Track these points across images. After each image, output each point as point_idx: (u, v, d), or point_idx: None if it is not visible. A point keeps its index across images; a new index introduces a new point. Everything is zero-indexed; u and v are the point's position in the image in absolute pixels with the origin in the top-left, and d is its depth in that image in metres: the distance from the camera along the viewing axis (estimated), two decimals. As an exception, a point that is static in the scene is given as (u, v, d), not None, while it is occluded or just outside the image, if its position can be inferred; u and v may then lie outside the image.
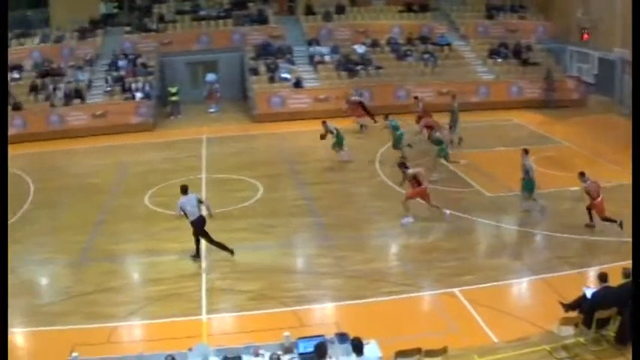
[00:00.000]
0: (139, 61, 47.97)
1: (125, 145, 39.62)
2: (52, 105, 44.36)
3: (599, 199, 23.95)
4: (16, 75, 47.88)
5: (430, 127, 33.26)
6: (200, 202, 23.17)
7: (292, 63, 47.65)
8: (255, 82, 46.03)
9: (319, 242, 24.39)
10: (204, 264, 22.80)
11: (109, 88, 45.82)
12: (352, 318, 18.78)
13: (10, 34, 51.25)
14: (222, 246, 23.10)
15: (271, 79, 45.97)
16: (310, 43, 49.60)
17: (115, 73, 46.99)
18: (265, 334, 16.65)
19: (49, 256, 24.97)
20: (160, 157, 35.61)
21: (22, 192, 32.09)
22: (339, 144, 33.47)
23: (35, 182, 33.64)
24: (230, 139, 37.60)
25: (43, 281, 23.78)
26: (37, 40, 51.92)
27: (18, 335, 19.96)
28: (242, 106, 47.20)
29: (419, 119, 36.37)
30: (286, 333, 14.82)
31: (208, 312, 19.61)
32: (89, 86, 46.36)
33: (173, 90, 46.61)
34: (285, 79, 45.61)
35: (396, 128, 33.59)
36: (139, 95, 44.56)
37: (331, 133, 33.53)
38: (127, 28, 51.97)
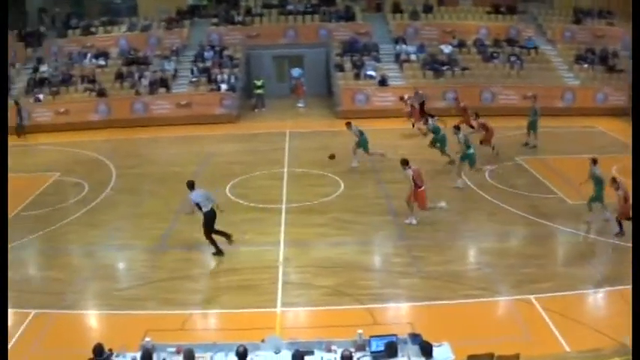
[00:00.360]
0: (225, 53, 48.48)
1: (208, 135, 39.97)
2: (137, 93, 45.13)
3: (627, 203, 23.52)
4: (102, 62, 48.98)
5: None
6: (208, 198, 23.40)
7: (378, 61, 47.56)
8: (341, 78, 46.06)
9: (397, 241, 24.25)
10: (281, 256, 22.92)
11: (194, 79, 46.39)
12: (426, 319, 18.68)
13: (97, 22, 52.37)
14: (215, 244, 23.51)
15: (357, 76, 45.94)
16: (397, 41, 49.43)
17: (200, 64, 47.55)
18: (338, 330, 16.70)
19: (127, 242, 25.43)
20: (242, 149, 35.84)
21: (104, 177, 32.76)
22: (362, 146, 32.68)
23: (117, 168, 34.28)
24: (313, 134, 37.68)
25: (121, 266, 24.20)
26: (124, 28, 53.06)
27: (93, 317, 20.40)
28: (326, 102, 47.27)
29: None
30: (359, 330, 14.76)
31: (283, 305, 19.69)
32: (175, 76, 47.05)
33: (258, 83, 46.92)
34: (371, 77, 45.54)
35: (436, 131, 33.44)
36: (224, 87, 44.96)
37: (355, 135, 32.86)
38: (214, 20, 52.57)
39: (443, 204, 25.97)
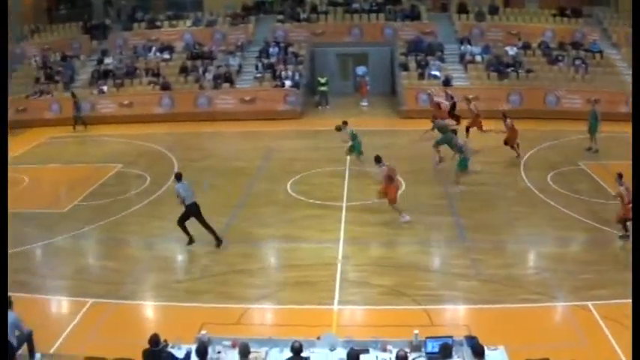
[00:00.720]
0: (290, 49, 48.51)
1: (271, 131, 40.08)
2: (201, 87, 45.45)
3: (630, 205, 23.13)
4: (166, 56, 49.45)
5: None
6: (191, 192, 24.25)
7: (442, 61, 47.23)
8: (405, 77, 45.83)
9: (457, 243, 24.02)
10: (340, 254, 22.86)
11: (258, 75, 46.55)
12: (483, 322, 18.50)
13: (162, 16, 52.86)
14: (211, 230, 24.32)
15: (421, 76, 45.67)
16: (462, 41, 49.03)
17: (265, 60, 47.70)
18: (394, 330, 16.60)
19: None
20: (305, 146, 35.86)
21: (166, 170, 32.95)
22: (356, 151, 32.34)
23: (180, 161, 34.59)
24: (376, 133, 37.51)
25: (180, 258, 24.36)
26: (189, 22, 53.56)
27: (149, 308, 20.60)
28: (390, 101, 47.11)
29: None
30: (416, 331, 14.60)
31: (340, 303, 19.60)
32: (239, 71, 47.34)
33: (322, 80, 46.92)
34: (435, 77, 45.22)
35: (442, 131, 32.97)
36: (288, 83, 45.03)
37: (350, 137, 32.56)
38: (280, 17, 52.70)
39: (407, 218, 25.81)
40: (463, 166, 30.02)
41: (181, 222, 24.33)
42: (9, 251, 24.66)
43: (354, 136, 32.41)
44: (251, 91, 44.99)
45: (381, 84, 49.38)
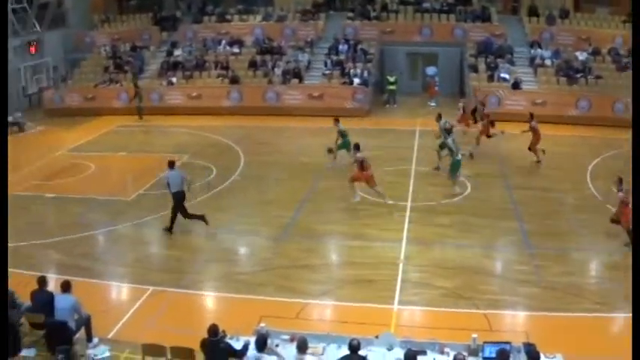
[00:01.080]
0: (360, 47, 48.38)
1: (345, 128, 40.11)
2: (270, 82, 45.57)
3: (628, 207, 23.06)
4: (236, 49, 49.70)
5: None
6: (184, 179, 25.20)
7: (512, 63, 46.72)
8: (474, 79, 45.46)
9: (520, 248, 23.71)
10: (403, 254, 22.74)
11: (327, 71, 46.55)
12: (542, 329, 18.27)
13: (232, 10, 53.21)
14: (198, 217, 25.38)
15: (490, 78, 45.26)
16: (532, 45, 48.44)
17: (334, 57, 47.67)
18: (453, 332, 16.52)
19: (251, 228, 25.77)
20: (371, 144, 35.66)
21: (233, 163, 33.31)
22: (345, 147, 32.52)
23: (246, 154, 34.79)
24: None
25: (242, 251, 24.57)
26: (259, 17, 53.91)
27: (209, 299, 20.81)
28: (458, 102, 46.81)
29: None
30: (474, 335, 14.54)
31: (400, 303, 19.52)
32: (308, 67, 47.36)
33: (391, 79, 46.75)
34: (504, 80, 44.77)
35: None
36: (356, 81, 44.95)
37: (339, 134, 33.01)
38: (350, 14, 52.62)
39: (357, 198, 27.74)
40: (454, 167, 29.26)
41: (184, 213, 25.29)
42: (73, 236, 25.10)
43: (343, 134, 32.83)
44: (319, 88, 45.02)
45: (450, 85, 49.04)
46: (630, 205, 23.05)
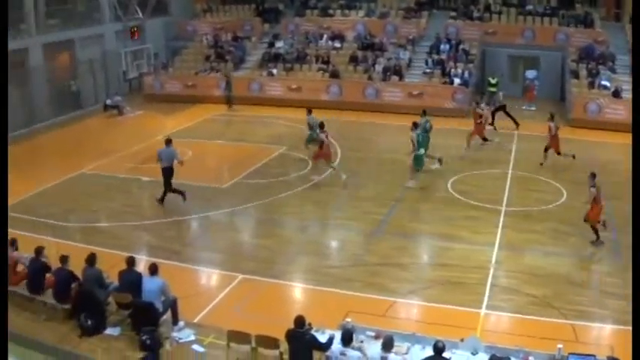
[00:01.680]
0: (461, 47, 47.97)
1: (436, 128, 39.76)
2: (370, 78, 45.52)
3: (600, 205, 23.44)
4: (337, 44, 49.70)
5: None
6: (175, 156, 27.21)
7: (614, 71, 45.69)
8: (575, 85, 44.62)
9: (613, 260, 23.10)
10: (494, 258, 22.54)
11: (428, 70, 46.30)
12: (629, 344, 17.95)
13: (335, 4, 53.38)
14: (180, 192, 27.56)
15: (591, 85, 44.41)
16: (634, 53, 47.53)
17: (435, 56, 47.36)
18: (539, 341, 16.37)
19: (344, 222, 25.92)
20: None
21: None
22: (309, 141, 33.50)
23: (343, 149, 34.76)
24: (542, 139, 36.71)
25: (334, 244, 24.70)
26: (361, 13, 53.83)
27: (297, 290, 21.02)
28: (558, 108, 45.86)
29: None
30: (559, 345, 14.35)
31: (488, 307, 19.33)
32: (409, 65, 47.13)
33: (493, 81, 46.18)
34: (605, 87, 43.86)
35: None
36: (457, 81, 44.59)
37: (308, 126, 33.92)
38: (452, 14, 52.13)
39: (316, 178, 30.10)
40: (417, 161, 29.94)
41: (167, 186, 27.52)
42: (165, 220, 25.51)
43: (311, 127, 33.40)
44: (419, 86, 44.74)
45: (551, 89, 48.20)
46: (601, 204, 23.65)
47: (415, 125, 30.81)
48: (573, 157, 32.51)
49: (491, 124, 37.90)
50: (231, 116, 43.95)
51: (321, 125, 30.78)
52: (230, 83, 45.84)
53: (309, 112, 34.63)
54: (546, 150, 32.09)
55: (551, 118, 32.74)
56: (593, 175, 24.13)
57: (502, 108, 40.17)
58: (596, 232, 23.89)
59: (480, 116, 35.15)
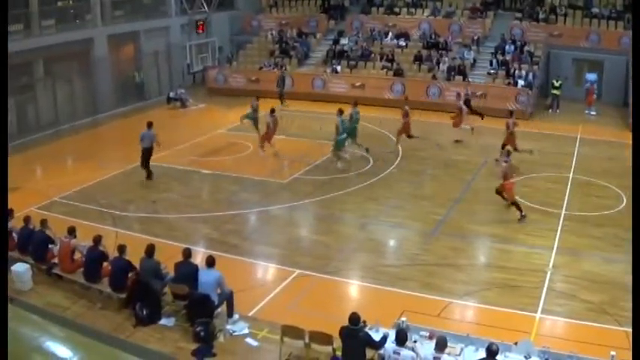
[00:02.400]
0: (526, 48, 47.64)
1: (497, 129, 39.58)
2: (434, 77, 45.42)
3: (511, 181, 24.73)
4: (402, 43, 49.69)
5: None
6: (154, 138, 30.02)
7: (677, 77, 45.19)
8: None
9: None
10: (552, 263, 22.36)
11: (492, 71, 46.09)
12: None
13: (401, 3, 53.38)
14: (149, 172, 30.51)
15: (654, 90, 43.90)
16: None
17: (500, 57, 47.07)
18: (592, 347, 16.21)
19: (402, 221, 25.96)
20: (530, 148, 35.29)
21: (390, 155, 33.44)
22: (248, 117, 35.61)
23: (404, 148, 34.83)
24: (604, 144, 36.42)
25: (391, 243, 24.74)
26: (427, 12, 53.88)
27: (352, 287, 21.08)
28: (621, 113, 45.45)
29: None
30: (613, 352, 14.29)
31: (543, 311, 19.22)
32: (473, 65, 46.94)
33: (556, 84, 45.82)
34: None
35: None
36: (520, 83, 44.26)
37: (252, 108, 35.65)
38: (518, 15, 51.80)
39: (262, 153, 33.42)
40: (338, 145, 31.88)
41: (144, 162, 30.33)
42: (224, 213, 25.73)
43: (254, 110, 35.62)
44: (483, 87, 44.49)
45: (615, 94, 47.53)
46: (512, 180, 25.25)
47: (340, 112, 32.22)
48: (530, 152, 32.58)
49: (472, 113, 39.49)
50: (293, 112, 44.11)
51: (272, 111, 34.38)
52: (285, 79, 46.24)
53: (257, 99, 36.50)
54: (503, 147, 31.50)
55: (510, 114, 33.57)
56: (508, 153, 25.97)
57: (467, 102, 40.38)
58: (518, 208, 25.15)
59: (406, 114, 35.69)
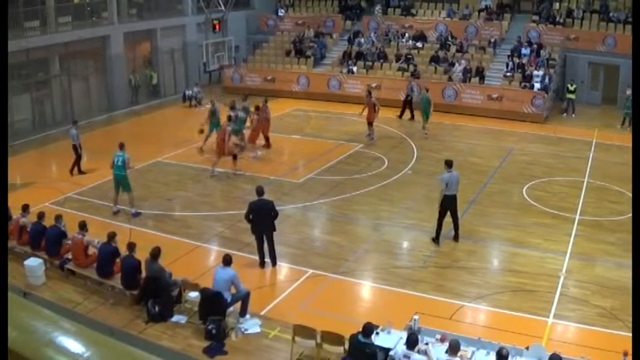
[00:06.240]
0: (542, 51, 47.53)
1: (513, 131, 39.59)
2: (450, 79, 45.34)
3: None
4: (418, 44, 49.64)
5: None
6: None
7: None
8: (648, 95, 43.96)
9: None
10: (564, 268, 22.29)
11: (508, 74, 45.96)
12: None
13: (417, 4, 53.44)
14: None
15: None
16: None
17: (516, 60, 46.97)
18: (603, 353, 16.32)
19: (416, 223, 25.89)
20: (545, 151, 35.15)
21: (405, 157, 33.77)
22: (215, 126, 34.58)
23: (420, 150, 34.94)
24: (619, 149, 36.27)
25: (405, 245, 24.62)
26: (443, 13, 53.98)
27: (365, 288, 21.03)
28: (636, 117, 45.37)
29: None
30: (624, 358, 14.24)
31: (555, 316, 19.17)
32: (489, 68, 46.80)
33: (571, 88, 45.69)
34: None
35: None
36: (537, 86, 44.14)
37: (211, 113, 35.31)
38: (534, 17, 51.70)
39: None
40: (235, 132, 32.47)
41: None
42: (238, 212, 25.78)
43: (214, 114, 35.29)
44: (498, 89, 44.40)
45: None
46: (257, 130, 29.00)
47: (232, 107, 33.40)
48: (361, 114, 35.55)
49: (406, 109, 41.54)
50: (310, 112, 44.17)
51: (257, 108, 34.18)
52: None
53: (213, 103, 36.26)
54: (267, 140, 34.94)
55: (257, 109, 34.38)
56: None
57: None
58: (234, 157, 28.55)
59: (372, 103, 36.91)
